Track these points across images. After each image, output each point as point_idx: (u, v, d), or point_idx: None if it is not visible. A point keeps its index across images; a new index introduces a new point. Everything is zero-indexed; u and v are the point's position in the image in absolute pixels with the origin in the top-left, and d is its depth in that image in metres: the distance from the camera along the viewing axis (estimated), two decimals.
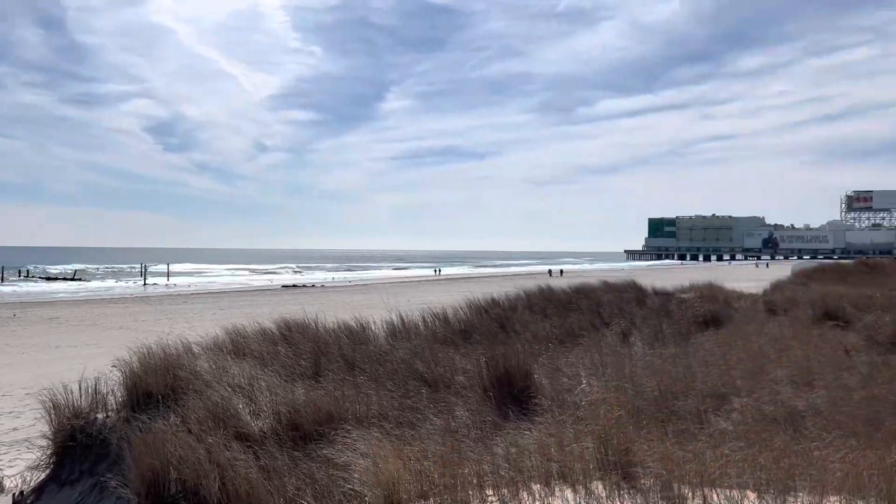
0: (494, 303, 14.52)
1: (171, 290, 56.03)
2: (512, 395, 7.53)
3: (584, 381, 7.88)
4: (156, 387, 7.01)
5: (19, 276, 74.76)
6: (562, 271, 77.34)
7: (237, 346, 8.83)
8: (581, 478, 4.89)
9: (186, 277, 78.53)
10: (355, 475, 5.18)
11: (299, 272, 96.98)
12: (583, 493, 4.72)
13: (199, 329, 11.76)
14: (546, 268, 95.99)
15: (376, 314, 11.77)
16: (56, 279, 72.44)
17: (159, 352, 7.73)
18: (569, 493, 4.76)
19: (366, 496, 4.95)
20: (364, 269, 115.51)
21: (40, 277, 74.23)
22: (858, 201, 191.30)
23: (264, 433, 6.07)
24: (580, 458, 5.11)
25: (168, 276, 77.56)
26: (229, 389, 6.73)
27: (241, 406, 6.42)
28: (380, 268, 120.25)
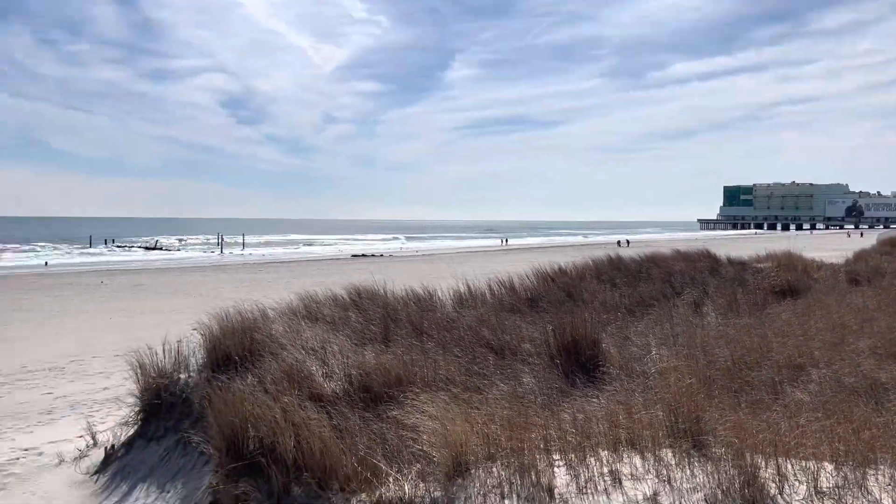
0: (561, 272, 14.42)
1: (246, 258, 57.83)
2: (579, 364, 7.51)
3: (654, 351, 7.79)
4: (234, 349, 7.30)
5: (105, 245, 78.47)
6: (628, 241, 75.90)
7: (310, 311, 9.08)
8: (650, 445, 4.86)
9: (260, 247, 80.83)
10: (424, 436, 5.30)
11: (367, 241, 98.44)
12: (651, 460, 4.70)
13: (273, 295, 12.14)
14: (614, 238, 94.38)
15: (443, 283, 11.87)
16: (139, 248, 75.73)
17: (237, 316, 8.04)
18: (637, 460, 4.75)
19: (434, 457, 5.07)
20: (429, 238, 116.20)
21: (125, 246, 77.71)
22: None
23: (336, 394, 6.26)
24: (649, 426, 5.08)
25: (243, 246, 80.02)
26: (303, 352, 6.95)
27: (314, 368, 6.63)
28: (445, 238, 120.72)
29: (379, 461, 5.17)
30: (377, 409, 6.09)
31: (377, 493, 4.87)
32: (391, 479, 4.98)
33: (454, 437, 4.99)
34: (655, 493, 4.36)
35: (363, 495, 4.92)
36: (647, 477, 4.55)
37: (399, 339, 8.11)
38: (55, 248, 70.71)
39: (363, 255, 59.93)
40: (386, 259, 54.14)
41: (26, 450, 8.43)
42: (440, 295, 10.90)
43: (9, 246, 71.87)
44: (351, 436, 5.54)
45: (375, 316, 8.98)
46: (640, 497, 4.36)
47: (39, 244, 77.35)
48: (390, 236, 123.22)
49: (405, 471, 5.05)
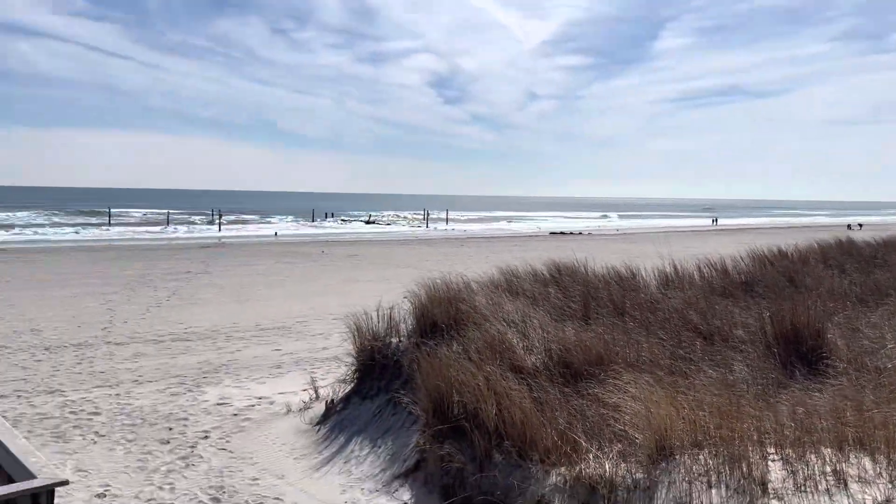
0: (781, 255, 13.33)
1: (448, 233, 60.04)
2: (799, 354, 6.93)
3: (891, 345, 6.97)
4: (440, 317, 7.66)
5: (325, 218, 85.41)
6: (860, 224, 67.95)
7: (511, 285, 9.25)
8: (883, 447, 4.39)
9: (462, 223, 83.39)
10: (626, 416, 5.21)
11: (569, 219, 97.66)
12: (885, 463, 4.24)
13: (474, 268, 12.53)
14: (844, 220, 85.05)
15: (647, 263, 11.48)
16: (357, 222, 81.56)
17: (443, 287, 8.41)
18: (867, 462, 4.31)
19: (637, 438, 4.97)
20: (633, 217, 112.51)
21: (348, 220, 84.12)
22: None
23: (537, 367, 6.34)
24: (882, 426, 4.58)
25: (447, 221, 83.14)
26: (504, 324, 7.11)
27: (515, 341, 6.77)
28: (650, 216, 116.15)
29: (579, 437, 5.18)
30: (577, 385, 6.09)
31: (577, 468, 4.88)
32: (591, 456, 4.97)
33: (658, 420, 4.86)
34: (888, 500, 3.94)
35: (563, 469, 4.96)
36: (878, 481, 4.12)
37: (600, 318, 8.00)
38: (285, 220, 78.32)
39: (562, 233, 59.58)
40: (585, 237, 53.40)
41: (260, 398, 9.52)
42: (643, 275, 10.57)
43: (248, 217, 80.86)
44: (551, 409, 5.60)
45: (575, 293, 8.94)
46: (868, 501, 3.96)
47: (275, 216, 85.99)
48: (596, 214, 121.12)
49: (606, 449, 5.01)
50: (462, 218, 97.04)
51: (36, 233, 51.97)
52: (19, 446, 4.18)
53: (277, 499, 6.21)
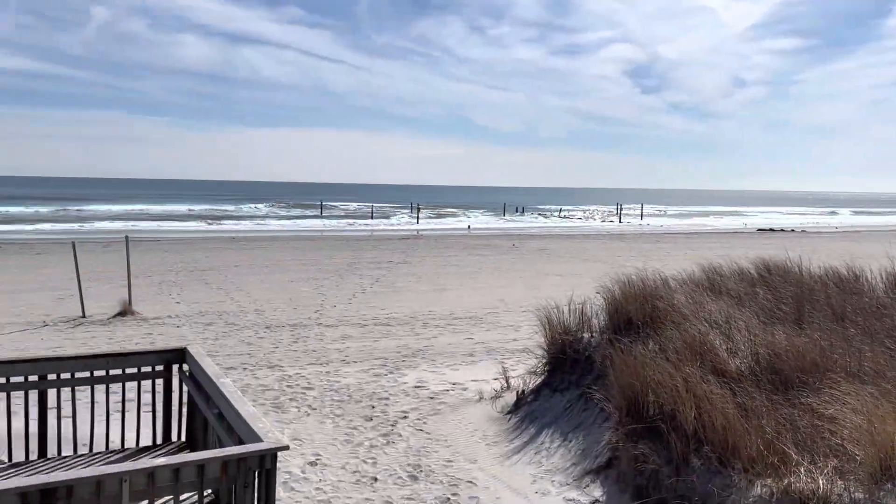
0: None
1: (643, 228, 58.00)
2: None
3: None
4: (635, 314, 7.46)
5: (516, 212, 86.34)
6: None
7: (713, 283, 8.77)
8: None
9: (658, 217, 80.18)
10: (844, 430, 4.76)
11: (775, 214, 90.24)
12: None
13: (671, 266, 12.03)
14: None
15: (874, 264, 10.31)
16: (549, 216, 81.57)
17: (638, 283, 8.18)
18: None
19: (856, 455, 4.52)
20: (859, 213, 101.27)
21: (545, 214, 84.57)
22: None
23: (741, 372, 5.97)
24: None
25: (641, 216, 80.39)
26: (706, 325, 6.77)
27: (717, 342, 6.42)
28: (881, 213, 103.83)
29: (788, 447, 4.81)
30: (787, 393, 5.65)
31: (785, 480, 4.55)
32: (802, 469, 4.60)
33: (883, 437, 4.39)
34: None
35: (769, 480, 4.65)
36: None
37: (815, 322, 7.34)
38: (478, 214, 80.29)
39: (771, 230, 55.16)
40: (798, 234, 49.03)
41: (454, 384, 9.88)
42: (868, 276, 9.52)
43: (444, 211, 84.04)
44: (757, 416, 5.25)
45: (787, 294, 8.26)
46: None
47: (468, 210, 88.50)
48: (816, 210, 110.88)
49: (819, 463, 4.61)
50: (658, 213, 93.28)
51: (259, 224, 57.83)
52: (248, 412, 4.71)
53: (470, 482, 6.43)
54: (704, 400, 5.33)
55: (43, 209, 67.86)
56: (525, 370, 9.23)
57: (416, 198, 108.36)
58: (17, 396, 6.33)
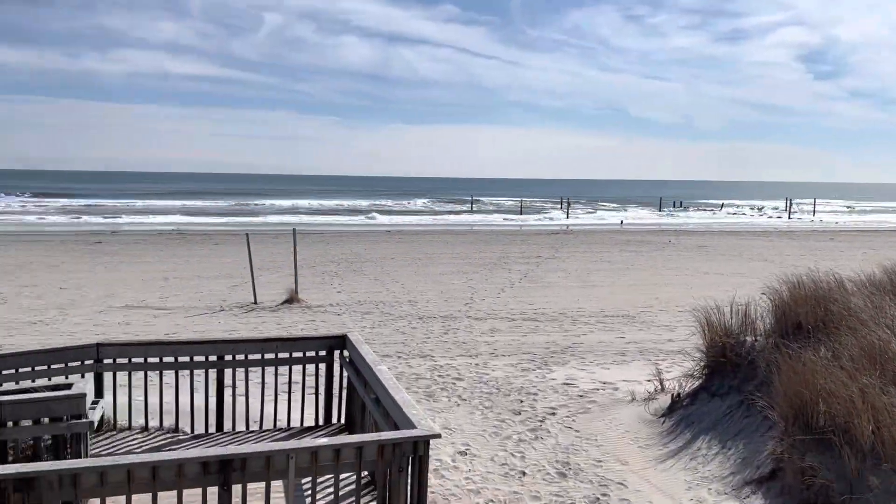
0: None
1: (815, 225, 53.64)
2: None
3: None
4: (805, 318, 6.94)
5: (673, 206, 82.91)
6: None
7: None
8: None
9: (832, 214, 73.83)
10: None
11: None
12: None
13: (846, 266, 11.03)
14: None
15: None
16: (705, 210, 77.71)
17: (809, 284, 7.59)
18: None
19: None
20: None
21: (707, 209, 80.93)
22: None
23: None
24: None
25: (814, 212, 74.38)
26: (887, 331, 6.17)
27: None
28: None
29: None
30: None
31: None
32: None
33: None
34: None
35: None
36: None
37: None
38: (631, 209, 77.98)
39: None
40: None
41: (604, 383, 9.68)
42: None
43: (595, 205, 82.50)
44: None
45: None
46: None
47: (621, 205, 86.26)
48: None
49: None
50: (832, 208, 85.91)
51: (413, 218, 59.67)
52: (403, 400, 4.90)
53: (621, 483, 6.29)
54: (884, 413, 4.86)
55: (222, 203, 74.06)
56: (681, 373, 8.86)
57: (566, 192, 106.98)
58: (199, 374, 6.97)
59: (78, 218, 50.08)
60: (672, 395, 8.10)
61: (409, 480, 4.35)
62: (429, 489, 4.53)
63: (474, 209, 73.62)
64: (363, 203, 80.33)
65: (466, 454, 7.01)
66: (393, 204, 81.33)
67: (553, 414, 8.32)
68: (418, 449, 4.31)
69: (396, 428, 4.73)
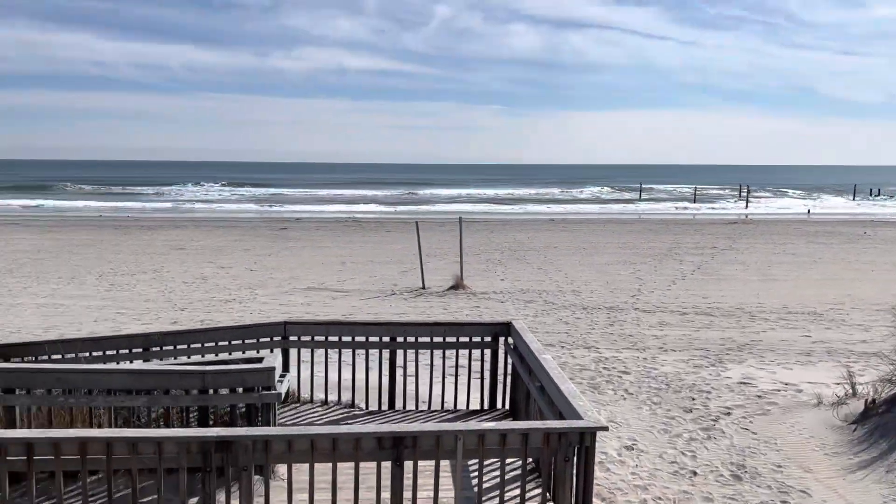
0: None
1: None
2: None
3: None
4: None
5: (870, 194, 75.21)
6: None
7: None
8: None
9: None
10: None
11: None
12: None
13: None
14: None
15: None
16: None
17: None
18: None
19: None
20: None
21: (890, 197, 72.92)
22: None
23: None
24: None
25: None
26: None
27: None
28: None
29: None
30: None
31: None
32: None
33: None
34: None
35: None
36: None
37: None
38: (819, 196, 71.70)
39: None
40: None
41: (786, 384, 9.02)
42: None
43: (777, 193, 76.75)
44: None
45: None
46: None
47: (806, 193, 79.62)
48: None
49: None
50: None
51: (577, 206, 58.79)
52: (569, 390, 4.87)
53: (804, 492, 5.85)
54: None
55: (393, 192, 77.27)
56: (876, 377, 8.05)
57: (745, 179, 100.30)
58: (373, 354, 7.35)
59: (268, 206, 54.49)
60: (866, 400, 7.39)
61: (575, 471, 4.33)
62: (594, 481, 4.48)
63: (643, 197, 71.12)
64: (528, 192, 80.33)
65: (633, 449, 6.84)
66: (559, 192, 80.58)
67: (728, 414, 7.88)
68: (585, 440, 4.28)
69: (561, 417, 4.72)
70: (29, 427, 5.36)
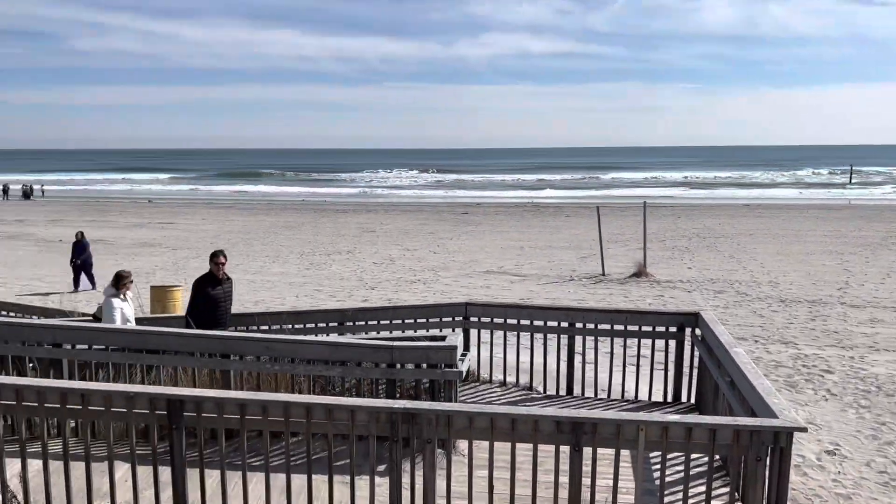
0: None
1: None
2: None
3: None
4: None
5: None
6: None
7: None
8: None
9: None
10: None
11: None
12: None
13: None
14: None
15: None
16: None
17: None
18: None
19: None
20: None
21: None
22: None
23: None
24: None
25: None
26: None
27: None
28: None
29: None
30: None
31: None
32: None
33: None
34: None
35: None
36: None
37: None
38: None
39: None
40: None
41: None
42: None
43: None
44: None
45: None
46: None
47: None
48: None
49: None
50: None
51: (777, 191, 54.41)
52: (763, 386, 4.55)
53: None
54: None
55: (573, 176, 76.27)
56: None
57: None
58: (550, 339, 7.35)
59: (451, 191, 56.10)
60: None
61: (768, 472, 4.05)
62: (789, 485, 4.16)
63: (854, 181, 64.28)
64: (719, 175, 75.72)
65: (835, 454, 6.27)
66: (756, 175, 75.12)
67: None
68: (779, 440, 3.98)
69: (753, 415, 4.43)
70: (241, 390, 5.98)
